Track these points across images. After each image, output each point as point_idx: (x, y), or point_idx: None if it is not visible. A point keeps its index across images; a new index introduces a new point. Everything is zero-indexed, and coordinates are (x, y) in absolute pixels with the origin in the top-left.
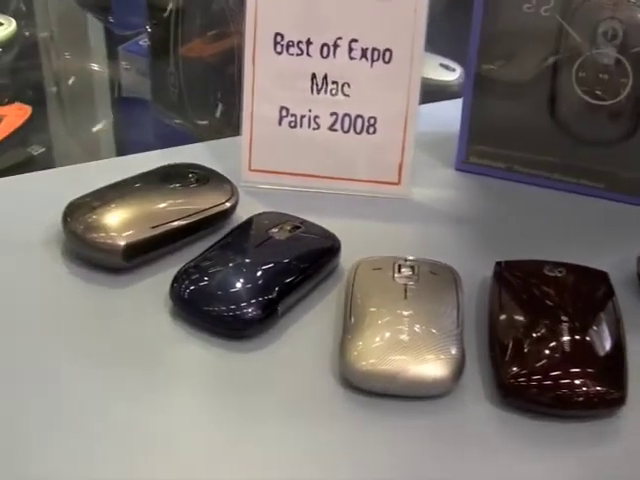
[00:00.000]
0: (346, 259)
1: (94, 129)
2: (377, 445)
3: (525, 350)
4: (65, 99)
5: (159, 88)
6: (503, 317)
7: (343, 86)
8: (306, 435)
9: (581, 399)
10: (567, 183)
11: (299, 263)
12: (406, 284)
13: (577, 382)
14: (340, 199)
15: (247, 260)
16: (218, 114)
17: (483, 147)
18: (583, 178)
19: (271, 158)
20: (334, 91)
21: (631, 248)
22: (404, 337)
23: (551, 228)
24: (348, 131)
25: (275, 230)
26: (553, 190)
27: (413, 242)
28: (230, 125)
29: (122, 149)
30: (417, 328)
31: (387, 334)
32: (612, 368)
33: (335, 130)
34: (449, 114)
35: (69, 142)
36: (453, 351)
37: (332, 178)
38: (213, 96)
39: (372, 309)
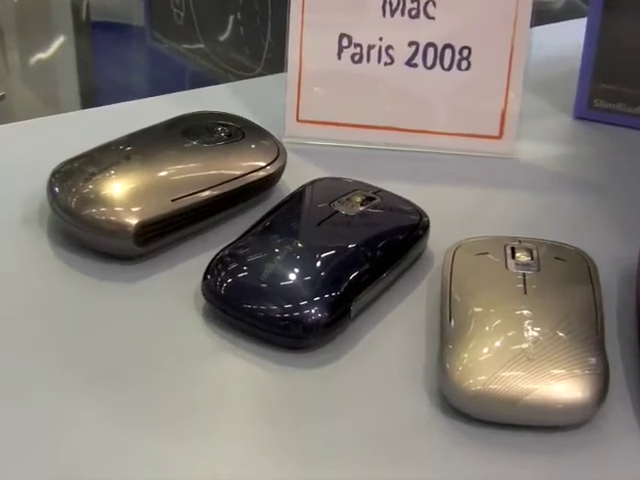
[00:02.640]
0: (436, 241)
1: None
2: None
3: None
4: (9, 24)
5: (155, 9)
6: None
7: (427, 5)
8: (396, 478)
9: None
10: None
11: (375, 247)
12: (524, 274)
13: None
14: (422, 160)
15: (304, 244)
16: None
17: (613, 86)
18: None
19: (327, 105)
20: (414, 12)
21: None
22: (526, 346)
23: None
24: (432, 66)
25: (342, 202)
26: None
27: (524, 217)
28: (261, 59)
29: (99, 94)
30: (542, 333)
31: (502, 343)
32: None
33: (414, 65)
34: (566, 41)
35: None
36: (593, 364)
37: (410, 131)
38: (234, 19)
39: (479, 309)
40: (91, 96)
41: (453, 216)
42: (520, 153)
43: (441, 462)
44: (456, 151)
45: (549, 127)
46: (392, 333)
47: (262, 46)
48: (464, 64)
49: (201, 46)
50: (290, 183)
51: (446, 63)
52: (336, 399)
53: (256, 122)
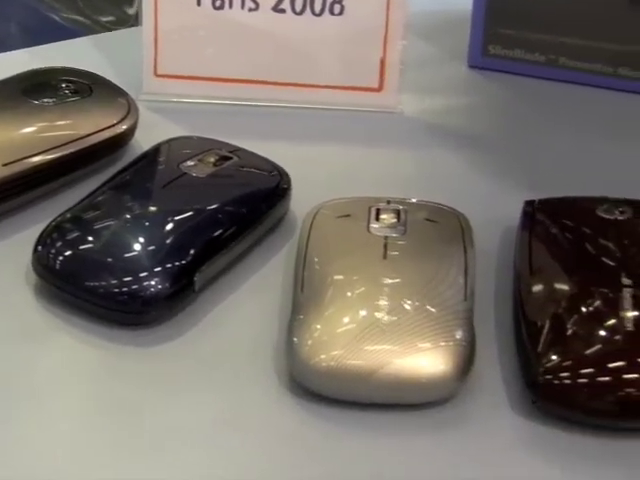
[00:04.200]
0: (301, 204)
1: None
2: (343, 475)
3: (568, 332)
4: None
5: None
6: (535, 283)
7: None
8: (239, 463)
9: None
10: None
11: (227, 211)
12: (387, 237)
13: None
14: (292, 116)
15: (147, 210)
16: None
17: (510, 31)
18: None
19: (187, 57)
20: None
21: None
22: (383, 316)
23: (612, 148)
24: (302, 12)
25: (192, 163)
26: (617, 93)
27: (403, 176)
28: (133, 9)
29: None
30: (403, 302)
31: (355, 314)
32: None
33: (282, 11)
34: None
35: None
36: (458, 335)
37: (278, 84)
38: None
39: (333, 276)
40: None
41: (324, 177)
42: (404, 106)
43: (288, 445)
44: (332, 105)
45: (439, 77)
46: (243, 306)
47: None
48: (337, 8)
49: None
50: (146, 143)
51: (317, 7)
52: (176, 380)
53: (115, 78)
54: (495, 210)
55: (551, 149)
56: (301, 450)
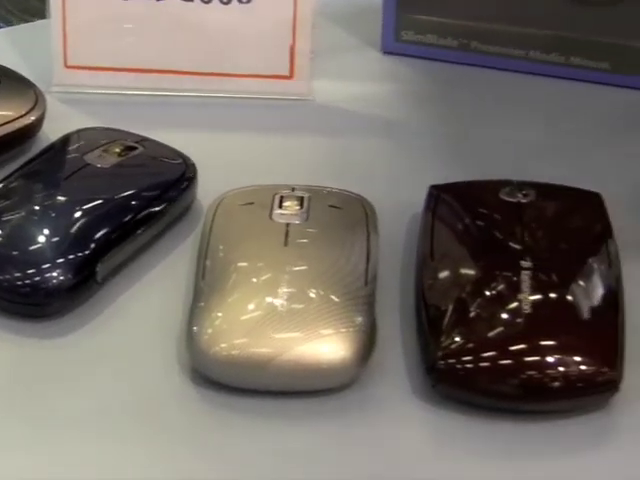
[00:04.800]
0: (210, 193)
1: None
2: (246, 465)
3: (467, 316)
4: None
5: None
6: (435, 267)
7: None
8: (140, 452)
9: (557, 384)
10: (552, 64)
11: (130, 201)
12: (289, 224)
13: (550, 360)
14: (203, 105)
15: (49, 201)
16: None
17: (422, 16)
18: (576, 56)
19: (97, 48)
20: None
21: None
22: (283, 304)
23: (522, 132)
24: (210, 1)
25: (97, 154)
26: (530, 76)
27: (312, 164)
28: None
29: None
30: (303, 289)
31: (258, 300)
32: (601, 337)
33: (190, 0)
34: None
35: None
36: (358, 321)
37: (189, 73)
38: None
39: (236, 264)
40: None
41: (234, 166)
42: (317, 94)
43: (189, 434)
44: (243, 94)
45: (353, 64)
46: (147, 296)
47: None
48: None
49: None
50: (55, 135)
51: None
52: (78, 370)
53: (28, 70)
54: (405, 196)
55: (464, 134)
56: (202, 439)
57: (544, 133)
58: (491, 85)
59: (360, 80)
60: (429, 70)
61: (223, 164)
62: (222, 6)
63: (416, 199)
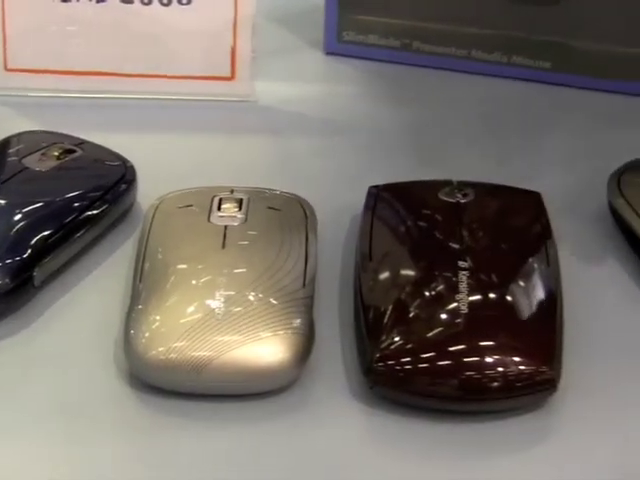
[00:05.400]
0: (150, 196)
1: None
2: (182, 468)
3: (404, 317)
4: None
5: None
6: (373, 268)
7: None
8: (76, 455)
9: (496, 385)
10: (494, 64)
11: (68, 205)
12: (227, 226)
13: (488, 360)
14: (145, 107)
15: None
16: None
17: (364, 17)
18: (519, 54)
19: (38, 50)
20: None
21: (593, 158)
22: (220, 306)
23: (466, 131)
24: (150, 2)
25: (34, 157)
26: (472, 76)
27: (254, 165)
28: None
29: None
30: (241, 292)
31: (195, 304)
32: (540, 336)
33: (130, 2)
34: None
35: None
36: (296, 323)
37: (130, 75)
38: None
39: (173, 267)
40: None
41: (175, 168)
42: (259, 95)
43: (125, 439)
44: (185, 96)
45: (296, 65)
46: (86, 300)
47: None
48: None
49: None
50: None
51: None
52: (15, 375)
53: None
54: (346, 197)
55: (407, 134)
56: (139, 443)
57: (486, 132)
58: (433, 85)
59: (302, 81)
60: (371, 70)
61: (163, 166)
62: (162, 8)
63: (357, 200)
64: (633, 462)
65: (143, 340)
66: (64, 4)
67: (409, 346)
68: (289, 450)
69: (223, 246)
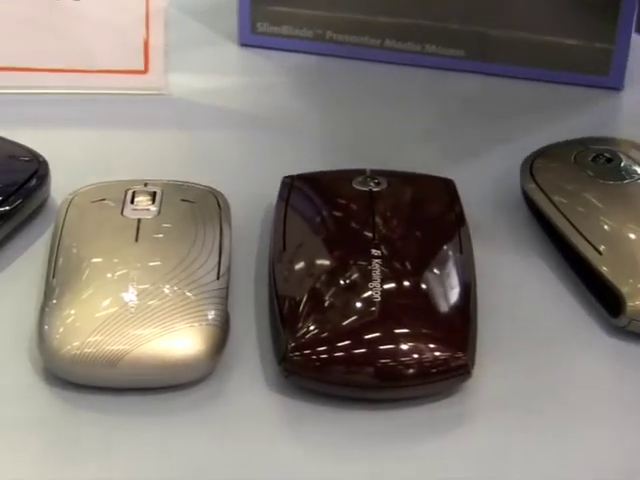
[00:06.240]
0: (64, 191)
1: None
2: (99, 462)
3: (318, 307)
4: None
5: None
6: (287, 259)
7: None
8: None
9: (411, 372)
10: (407, 53)
11: None
12: (140, 219)
13: (403, 347)
14: (57, 102)
15: None
16: None
17: (277, 7)
18: (432, 43)
19: None
20: None
21: (507, 145)
22: (134, 300)
23: (380, 120)
24: None
25: None
26: (385, 65)
27: (168, 158)
28: None
29: None
30: (155, 285)
31: (108, 298)
32: (454, 323)
33: None
34: None
35: None
36: (210, 315)
37: (43, 70)
38: None
39: (87, 261)
40: None
41: (89, 162)
42: (173, 88)
43: (40, 435)
44: (99, 90)
45: (210, 57)
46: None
47: None
48: None
49: None
50: None
51: None
52: None
53: None
54: (261, 188)
55: (321, 125)
56: (54, 439)
57: (399, 121)
58: (348, 75)
59: (217, 73)
60: (286, 61)
61: (77, 161)
62: (74, 2)
63: (272, 191)
64: (547, 443)
65: (57, 335)
66: None
67: (324, 335)
68: (205, 441)
69: (136, 239)
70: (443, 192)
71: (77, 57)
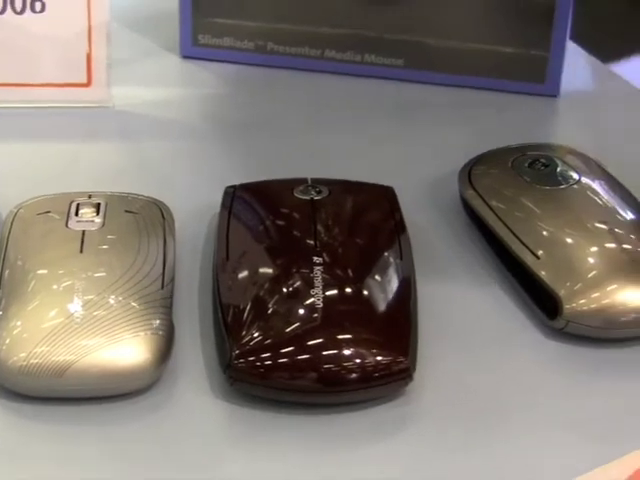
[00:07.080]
0: (9, 205)
1: None
2: (44, 473)
3: (264, 313)
4: None
5: None
6: (229, 267)
7: None
8: None
9: (354, 376)
10: (347, 63)
11: None
12: (84, 231)
13: (345, 353)
14: (1, 115)
15: None
16: None
17: (219, 19)
18: (371, 53)
19: None
20: None
21: (446, 152)
22: (79, 310)
23: (319, 130)
24: (3, 11)
25: None
26: (326, 75)
27: (112, 170)
28: None
29: None
30: (100, 295)
31: (53, 309)
32: (395, 327)
33: None
34: None
35: None
36: (155, 324)
37: None
38: None
39: (32, 273)
40: None
41: (33, 175)
42: (116, 100)
43: None
44: (43, 103)
45: (153, 70)
46: None
47: None
48: (38, 6)
49: None
50: None
51: (18, 6)
52: None
53: None
54: (205, 198)
55: (262, 135)
56: (2, 450)
57: (341, 130)
58: (289, 86)
59: (159, 85)
60: (227, 73)
61: (21, 174)
62: (16, 16)
63: (215, 201)
64: (486, 444)
65: (4, 347)
66: None
67: (267, 342)
68: (151, 450)
69: (81, 251)
70: (383, 199)
71: (20, 70)
